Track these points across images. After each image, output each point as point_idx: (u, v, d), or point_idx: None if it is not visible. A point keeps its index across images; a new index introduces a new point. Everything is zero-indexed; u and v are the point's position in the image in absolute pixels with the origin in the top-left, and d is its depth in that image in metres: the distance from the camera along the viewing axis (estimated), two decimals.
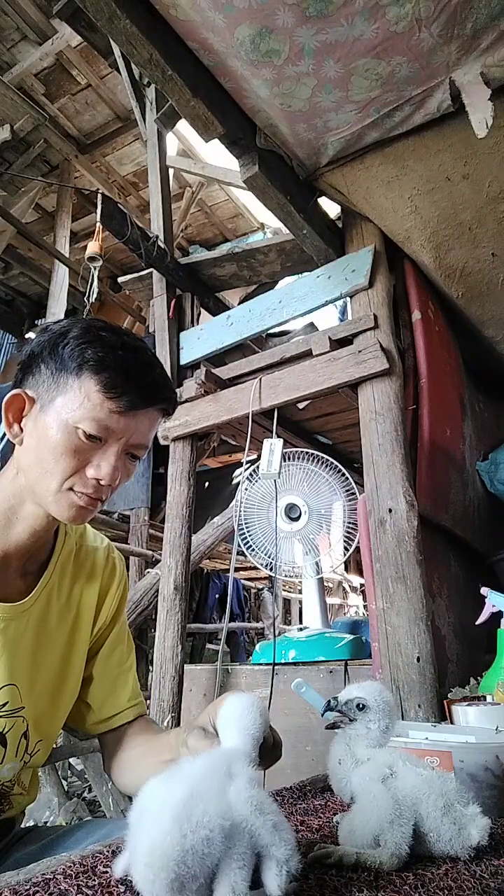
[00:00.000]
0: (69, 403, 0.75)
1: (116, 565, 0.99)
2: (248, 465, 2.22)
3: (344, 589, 7.35)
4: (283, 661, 2.03)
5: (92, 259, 2.40)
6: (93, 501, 0.78)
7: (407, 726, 1.14)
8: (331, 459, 2.20)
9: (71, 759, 3.69)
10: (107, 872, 0.59)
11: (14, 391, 0.78)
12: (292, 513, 2.23)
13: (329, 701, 0.76)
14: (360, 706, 0.74)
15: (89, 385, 0.74)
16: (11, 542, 0.81)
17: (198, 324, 2.53)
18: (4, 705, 0.79)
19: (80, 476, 0.76)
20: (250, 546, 2.24)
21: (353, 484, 2.16)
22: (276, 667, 1.85)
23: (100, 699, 0.95)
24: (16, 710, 0.80)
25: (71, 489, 0.77)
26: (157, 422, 0.83)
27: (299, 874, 0.61)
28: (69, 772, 3.88)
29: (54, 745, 0.93)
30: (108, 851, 0.64)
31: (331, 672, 1.87)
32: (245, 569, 5.90)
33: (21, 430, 0.79)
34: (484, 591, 1.47)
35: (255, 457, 2.25)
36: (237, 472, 5.60)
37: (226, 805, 0.50)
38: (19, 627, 0.81)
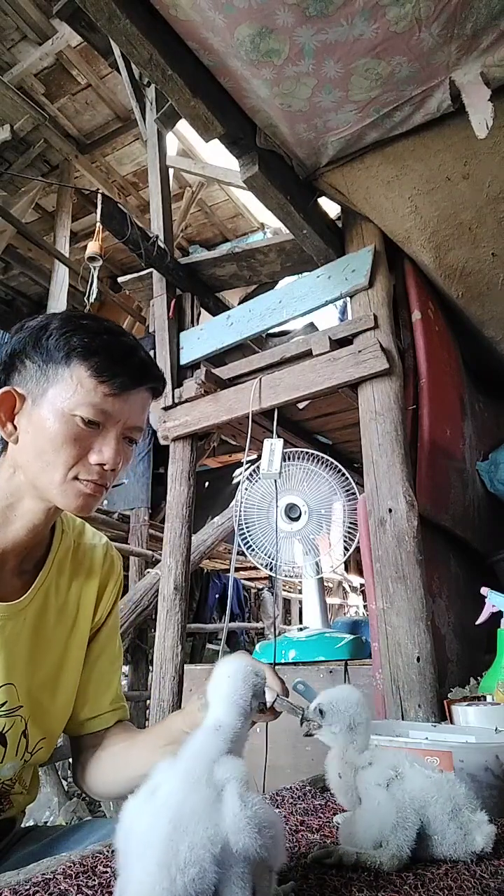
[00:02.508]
0: (63, 393, 0.75)
1: (115, 563, 0.99)
2: (248, 465, 2.22)
3: (344, 589, 7.35)
4: (283, 661, 2.03)
5: (92, 259, 2.39)
6: (98, 488, 0.78)
7: (407, 726, 1.15)
8: (331, 459, 2.20)
9: (71, 759, 3.69)
10: (107, 872, 0.59)
11: (3, 390, 0.77)
12: (292, 513, 2.23)
13: (301, 713, 0.76)
14: (321, 711, 0.74)
15: (80, 371, 0.75)
16: (9, 539, 0.81)
17: (198, 324, 2.52)
18: (3, 704, 0.79)
19: (83, 464, 0.77)
20: (250, 546, 2.24)
21: (353, 484, 2.16)
22: (277, 667, 1.85)
23: (83, 700, 0.94)
24: (14, 710, 0.80)
25: (76, 478, 0.77)
26: (148, 402, 0.84)
27: (298, 875, 0.60)
28: (69, 772, 3.87)
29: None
30: (108, 851, 0.64)
31: (331, 672, 1.87)
32: (245, 569, 5.90)
33: (15, 428, 0.78)
34: (484, 591, 1.47)
35: (255, 457, 2.25)
36: (237, 472, 5.60)
37: (213, 828, 0.48)
38: (16, 626, 0.81)
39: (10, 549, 0.81)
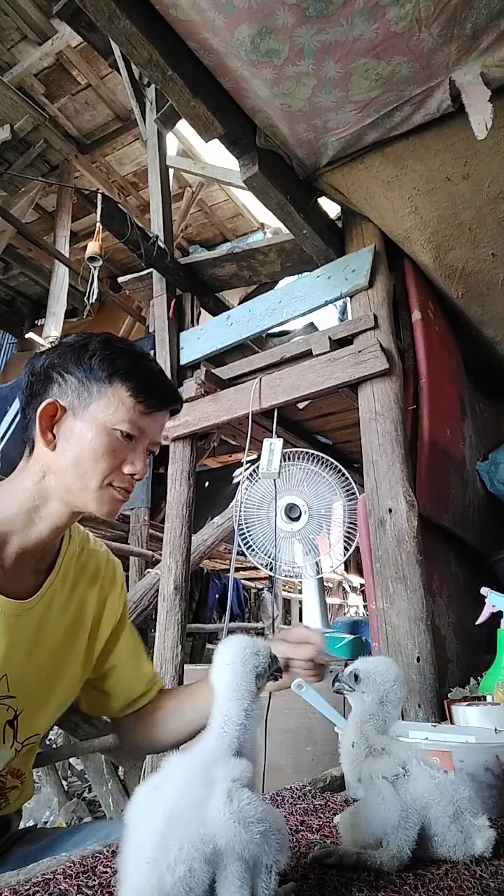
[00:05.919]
0: (105, 409, 0.84)
1: (117, 569, 1.06)
2: (248, 465, 2.22)
3: (344, 589, 7.34)
4: None
5: (92, 259, 2.40)
6: (127, 494, 0.88)
7: (407, 726, 1.14)
8: (331, 459, 2.20)
9: (71, 759, 3.69)
10: (107, 872, 0.59)
11: (48, 400, 0.84)
12: (292, 513, 2.23)
13: (337, 673, 0.79)
14: (356, 677, 0.76)
15: (122, 392, 0.84)
16: (31, 539, 0.86)
17: (198, 324, 2.52)
18: None
19: (117, 473, 0.85)
20: (250, 546, 2.24)
21: (353, 484, 2.16)
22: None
23: (126, 686, 1.02)
24: (2, 698, 0.82)
25: (110, 485, 0.85)
26: (166, 421, 0.95)
27: (298, 875, 0.60)
28: (69, 772, 3.87)
29: (54, 746, 0.94)
30: (108, 851, 0.65)
31: (331, 672, 1.86)
32: (245, 569, 5.90)
33: (54, 436, 0.85)
34: (484, 591, 1.47)
35: (255, 457, 2.25)
36: (237, 472, 5.60)
37: (205, 827, 0.48)
38: (24, 623, 0.84)
39: (30, 548, 0.86)
